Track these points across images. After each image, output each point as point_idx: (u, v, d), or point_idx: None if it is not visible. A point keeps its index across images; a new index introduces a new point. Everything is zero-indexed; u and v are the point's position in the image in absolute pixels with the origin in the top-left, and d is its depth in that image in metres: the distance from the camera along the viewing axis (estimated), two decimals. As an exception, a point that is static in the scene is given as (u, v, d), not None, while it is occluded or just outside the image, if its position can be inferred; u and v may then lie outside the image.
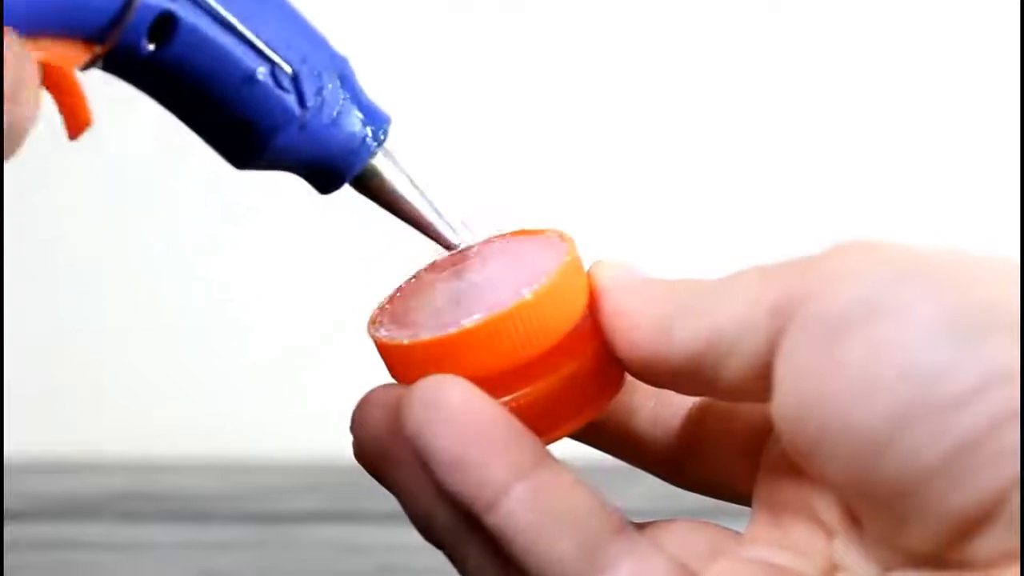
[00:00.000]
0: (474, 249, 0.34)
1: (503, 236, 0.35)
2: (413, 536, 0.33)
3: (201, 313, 0.85)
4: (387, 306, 0.34)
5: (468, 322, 0.31)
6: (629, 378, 0.33)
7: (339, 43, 0.34)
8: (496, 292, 0.32)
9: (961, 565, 0.27)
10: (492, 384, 0.31)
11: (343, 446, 0.33)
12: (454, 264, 0.35)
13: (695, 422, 0.34)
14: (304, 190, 0.36)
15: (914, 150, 0.83)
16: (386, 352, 0.33)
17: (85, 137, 0.31)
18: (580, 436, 0.34)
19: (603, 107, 0.83)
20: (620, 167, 0.83)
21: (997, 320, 0.26)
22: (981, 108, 0.82)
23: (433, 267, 0.35)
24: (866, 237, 0.29)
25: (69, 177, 0.84)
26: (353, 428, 0.33)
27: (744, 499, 0.33)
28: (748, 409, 0.33)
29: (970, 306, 0.27)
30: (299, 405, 0.84)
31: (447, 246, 0.35)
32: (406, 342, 0.32)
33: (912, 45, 0.82)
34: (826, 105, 0.83)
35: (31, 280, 0.86)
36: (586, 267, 0.33)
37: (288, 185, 0.92)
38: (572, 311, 0.32)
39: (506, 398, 0.32)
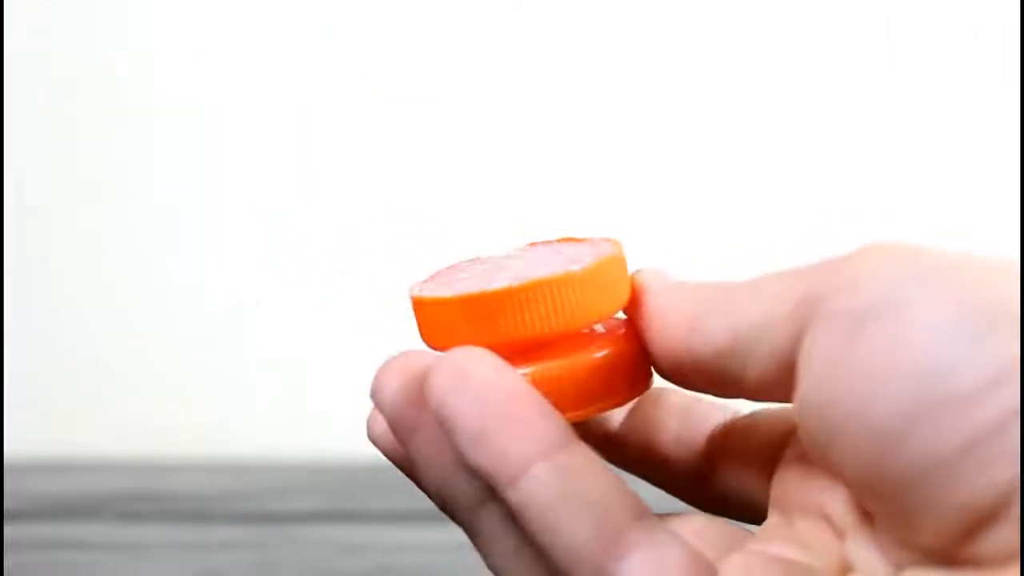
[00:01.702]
0: (519, 250, 0.35)
1: (547, 242, 0.35)
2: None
3: (200, 313, 0.85)
4: (428, 280, 0.34)
5: (516, 281, 0.32)
6: (653, 395, 0.34)
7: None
8: (542, 270, 0.33)
9: (972, 562, 0.27)
10: (524, 351, 0.32)
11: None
12: (496, 259, 0.35)
13: (717, 441, 0.35)
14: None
15: (915, 151, 0.83)
16: (425, 310, 0.33)
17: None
18: (604, 454, 0.35)
19: (628, 119, 0.83)
20: (650, 179, 0.83)
21: (1011, 318, 0.27)
22: (981, 108, 0.82)
23: (475, 260, 0.35)
24: (887, 240, 0.30)
25: (68, 178, 0.84)
26: (373, 393, 0.33)
27: (764, 518, 0.33)
28: (769, 426, 0.34)
29: (985, 304, 0.27)
30: (299, 405, 0.84)
31: None
32: (448, 295, 0.32)
33: (913, 45, 0.82)
34: (837, 112, 0.83)
35: (31, 280, 0.86)
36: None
37: (289, 184, 0.91)
38: (612, 299, 0.33)
39: (535, 367, 0.32)
